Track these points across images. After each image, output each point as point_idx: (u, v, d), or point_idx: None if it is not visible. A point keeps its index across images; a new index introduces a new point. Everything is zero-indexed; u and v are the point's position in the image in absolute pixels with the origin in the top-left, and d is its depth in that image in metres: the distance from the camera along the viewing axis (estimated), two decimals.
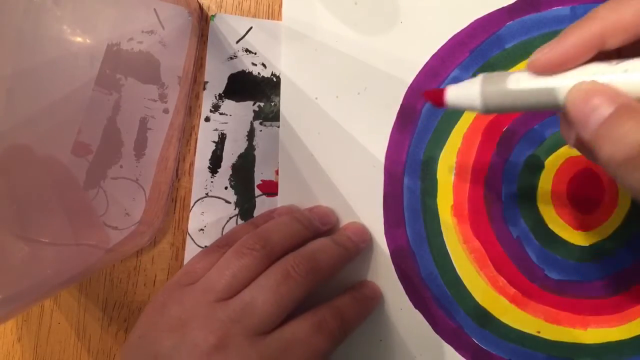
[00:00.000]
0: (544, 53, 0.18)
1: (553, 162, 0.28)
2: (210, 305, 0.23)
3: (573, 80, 0.17)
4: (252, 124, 0.30)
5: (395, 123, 0.29)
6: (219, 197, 0.30)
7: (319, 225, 0.27)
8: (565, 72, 0.18)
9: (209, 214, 0.30)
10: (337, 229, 0.29)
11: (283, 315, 0.23)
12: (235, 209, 0.30)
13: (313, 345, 0.23)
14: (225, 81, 0.30)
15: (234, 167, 0.30)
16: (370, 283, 0.28)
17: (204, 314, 0.23)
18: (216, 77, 0.30)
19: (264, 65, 0.30)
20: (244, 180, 0.30)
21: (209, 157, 0.30)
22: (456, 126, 0.28)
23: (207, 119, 0.30)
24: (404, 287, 0.29)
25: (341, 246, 0.26)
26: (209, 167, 0.30)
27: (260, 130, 0.30)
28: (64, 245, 0.22)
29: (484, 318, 0.28)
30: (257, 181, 0.30)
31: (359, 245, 0.27)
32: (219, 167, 0.30)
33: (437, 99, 0.21)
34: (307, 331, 0.23)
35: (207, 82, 0.30)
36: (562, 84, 0.18)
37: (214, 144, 0.30)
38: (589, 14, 0.18)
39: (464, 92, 0.20)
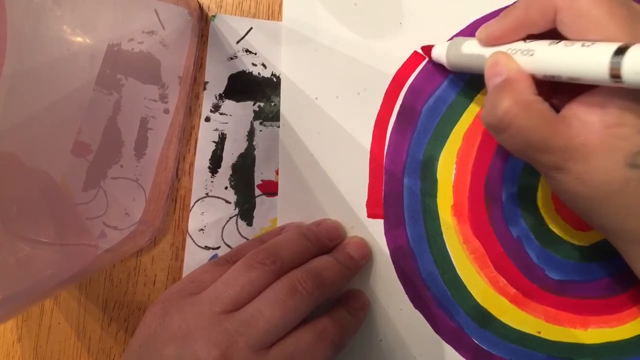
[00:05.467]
0: (484, 31, 0.23)
1: None
2: (215, 317, 0.23)
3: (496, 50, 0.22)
4: (252, 124, 0.30)
5: (395, 123, 0.29)
6: (219, 197, 0.30)
7: (326, 242, 0.27)
8: (500, 45, 0.22)
9: (209, 214, 0.30)
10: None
11: (288, 329, 0.23)
12: (235, 209, 0.30)
13: (316, 354, 0.23)
14: (226, 81, 0.30)
15: (234, 167, 0.30)
16: (359, 293, 0.28)
17: (208, 325, 0.23)
18: (216, 77, 0.30)
19: (264, 65, 0.30)
20: (244, 180, 0.30)
21: (209, 157, 0.30)
22: (456, 126, 0.28)
23: (207, 119, 0.30)
24: (404, 287, 0.29)
25: (343, 265, 0.26)
26: (209, 167, 0.30)
27: (260, 130, 0.30)
28: (62, 245, 0.22)
29: (484, 318, 0.28)
30: (257, 181, 0.30)
31: (359, 263, 0.28)
32: (219, 167, 0.30)
33: (427, 53, 0.28)
34: (310, 341, 0.23)
35: (207, 82, 0.30)
36: (489, 52, 0.22)
37: (214, 144, 0.30)
38: (517, 4, 0.22)
39: (439, 52, 0.27)
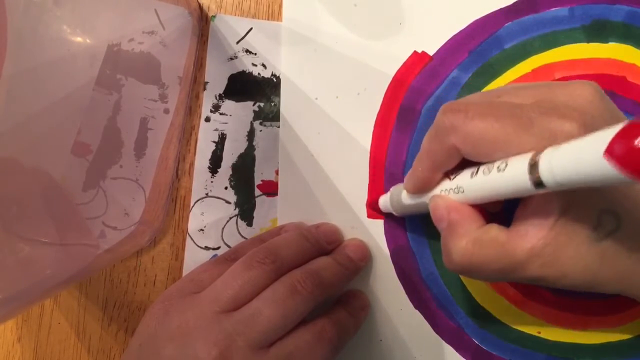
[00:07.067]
0: (409, 183, 0.23)
1: None
2: (214, 316, 0.23)
3: (430, 195, 0.23)
4: (252, 124, 0.30)
5: (395, 123, 0.29)
6: (219, 197, 0.30)
7: (325, 245, 0.28)
8: (432, 190, 0.23)
9: (209, 214, 0.30)
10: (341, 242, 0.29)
11: (287, 329, 0.23)
12: (235, 209, 0.30)
13: (315, 354, 0.23)
14: (226, 81, 0.30)
15: (234, 167, 0.30)
16: (360, 293, 0.28)
17: (207, 324, 0.23)
18: (216, 78, 0.30)
19: (264, 65, 0.30)
20: (244, 180, 0.30)
21: (209, 157, 0.30)
22: None
23: (208, 119, 0.30)
24: (404, 287, 0.29)
25: (342, 266, 0.26)
26: (209, 167, 0.30)
27: (260, 130, 0.30)
28: (62, 245, 0.22)
29: (484, 318, 0.28)
30: (257, 181, 0.30)
31: (358, 265, 0.28)
32: (219, 167, 0.30)
33: (375, 207, 0.28)
34: (309, 341, 0.23)
35: (207, 83, 0.30)
36: (427, 198, 0.23)
37: (214, 144, 0.30)
38: (421, 154, 0.23)
39: (384, 203, 0.27)
